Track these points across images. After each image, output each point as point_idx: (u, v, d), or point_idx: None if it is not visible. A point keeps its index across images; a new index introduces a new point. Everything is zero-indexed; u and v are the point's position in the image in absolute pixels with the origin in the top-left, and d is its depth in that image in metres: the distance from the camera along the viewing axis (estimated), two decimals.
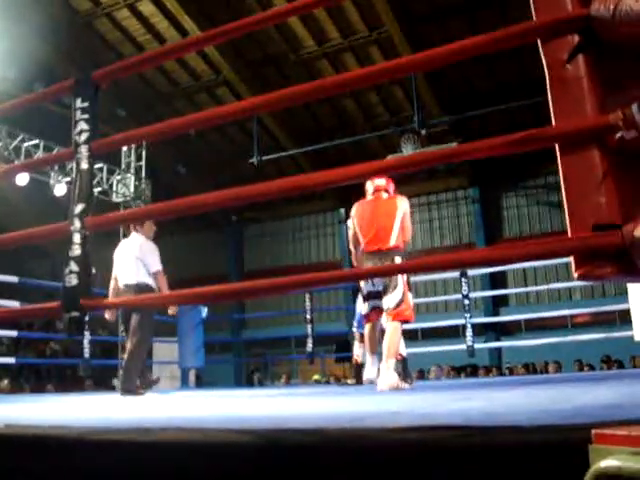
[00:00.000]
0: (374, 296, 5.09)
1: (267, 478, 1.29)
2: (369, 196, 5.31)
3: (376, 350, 5.19)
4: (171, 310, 6.08)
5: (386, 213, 5.08)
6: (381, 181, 5.21)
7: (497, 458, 1.12)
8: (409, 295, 5.04)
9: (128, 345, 5.72)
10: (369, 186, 5.31)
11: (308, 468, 1.26)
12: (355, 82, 2.40)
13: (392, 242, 4.97)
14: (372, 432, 1.37)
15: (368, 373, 5.16)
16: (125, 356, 5.76)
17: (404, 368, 5.77)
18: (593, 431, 0.97)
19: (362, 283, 5.18)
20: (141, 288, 5.75)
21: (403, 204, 5.13)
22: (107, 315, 5.95)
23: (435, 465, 1.16)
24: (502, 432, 1.25)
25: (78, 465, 1.53)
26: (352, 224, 5.29)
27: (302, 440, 1.33)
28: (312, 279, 2.24)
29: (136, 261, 6.00)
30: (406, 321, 5.06)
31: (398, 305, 4.93)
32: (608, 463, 0.89)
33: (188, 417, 2.31)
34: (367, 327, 5.27)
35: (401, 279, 4.93)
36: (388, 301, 4.97)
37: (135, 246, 6.14)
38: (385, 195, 5.23)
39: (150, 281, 5.92)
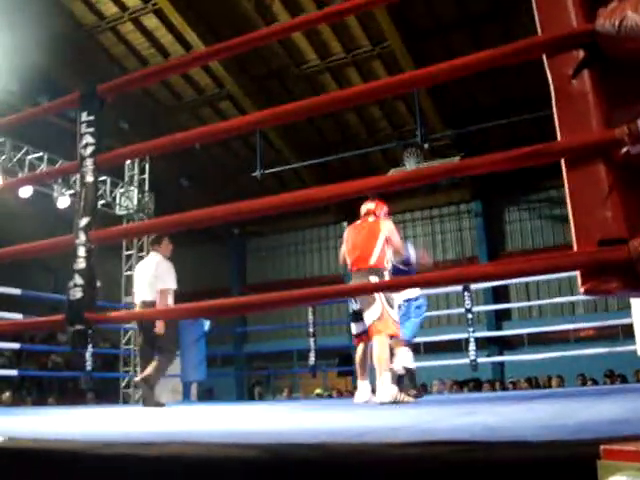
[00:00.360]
0: (361, 317, 5.30)
1: None
2: (360, 220, 5.64)
3: (366, 374, 5.37)
4: (158, 328, 6.00)
5: (369, 235, 5.38)
6: (371, 205, 5.59)
7: (502, 474, 1.11)
8: (389, 310, 5.14)
9: (154, 360, 6.01)
10: (362, 208, 5.65)
11: None
12: (358, 97, 2.41)
13: (371, 262, 5.24)
14: (374, 447, 1.36)
15: (360, 397, 5.25)
16: (150, 370, 5.98)
17: (411, 380, 5.80)
18: (601, 447, 0.96)
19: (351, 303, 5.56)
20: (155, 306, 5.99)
21: (386, 226, 5.43)
22: (157, 329, 6.09)
23: None
24: (507, 447, 1.24)
25: (79, 478, 1.52)
26: (343, 247, 5.66)
27: (306, 455, 1.33)
28: (315, 294, 2.24)
29: (152, 279, 6.27)
30: (393, 336, 5.18)
31: (378, 319, 5.07)
32: (616, 479, 0.88)
33: (190, 431, 2.31)
34: (358, 349, 5.46)
35: (377, 296, 5.09)
36: (367, 318, 5.17)
37: (152, 265, 6.45)
38: (371, 218, 5.53)
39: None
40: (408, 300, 6.50)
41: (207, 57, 2.81)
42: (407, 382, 5.93)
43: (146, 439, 1.65)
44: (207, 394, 15.43)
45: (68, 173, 3.49)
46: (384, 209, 5.67)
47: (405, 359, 5.61)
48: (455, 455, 1.19)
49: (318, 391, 15.08)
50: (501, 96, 15.54)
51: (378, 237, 5.33)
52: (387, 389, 4.84)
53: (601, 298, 15.10)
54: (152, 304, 6.03)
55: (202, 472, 1.38)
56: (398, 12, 13.64)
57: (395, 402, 4.79)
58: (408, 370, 5.79)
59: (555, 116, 1.67)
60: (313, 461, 1.29)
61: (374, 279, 5.13)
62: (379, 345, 5.04)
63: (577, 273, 1.59)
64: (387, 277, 5.26)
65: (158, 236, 6.69)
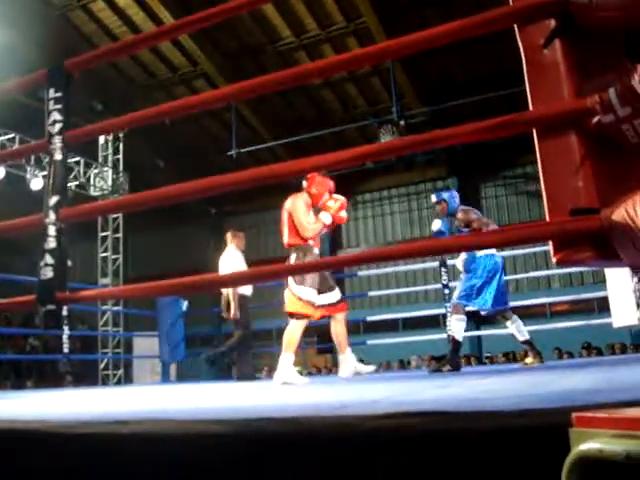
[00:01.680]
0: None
1: (245, 468, 1.27)
2: None
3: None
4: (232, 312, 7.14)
5: (282, 214, 5.49)
6: (304, 182, 5.50)
7: (476, 443, 1.11)
8: (297, 289, 5.17)
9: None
10: None
11: (285, 457, 1.25)
12: (330, 69, 2.39)
13: (285, 240, 5.43)
14: (350, 420, 1.36)
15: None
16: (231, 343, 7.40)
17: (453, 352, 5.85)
18: (573, 414, 0.96)
19: None
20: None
21: (287, 204, 5.43)
22: (226, 315, 7.32)
23: (413, 451, 1.15)
24: (480, 417, 1.24)
25: (55, 458, 1.51)
26: None
27: (279, 429, 1.32)
28: (296, 268, 2.22)
29: (228, 271, 6.76)
30: (297, 315, 5.23)
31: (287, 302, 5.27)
32: (589, 446, 0.88)
33: (165, 409, 2.29)
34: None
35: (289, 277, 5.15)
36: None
37: (227, 256, 7.35)
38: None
39: (243, 290, 7.16)
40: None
41: (177, 30, 2.76)
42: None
43: (120, 417, 1.64)
44: (186, 374, 15.42)
45: (37, 151, 3.43)
46: (318, 186, 5.46)
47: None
48: (429, 426, 1.19)
49: (298, 369, 15.12)
50: (477, 73, 15.54)
51: (283, 216, 5.44)
52: (348, 365, 5.38)
53: (576, 272, 15.26)
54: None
55: (176, 448, 1.37)
56: None
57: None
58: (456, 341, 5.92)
59: (527, 86, 1.66)
60: (288, 435, 1.28)
61: (291, 259, 5.28)
62: (289, 326, 5.25)
63: (550, 245, 1.59)
64: (310, 253, 5.29)
65: (235, 230, 7.89)
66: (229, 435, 1.33)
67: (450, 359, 5.67)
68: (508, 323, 6.18)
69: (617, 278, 6.73)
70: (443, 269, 9.19)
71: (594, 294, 9.93)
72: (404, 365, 14.59)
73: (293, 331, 5.19)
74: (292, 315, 5.22)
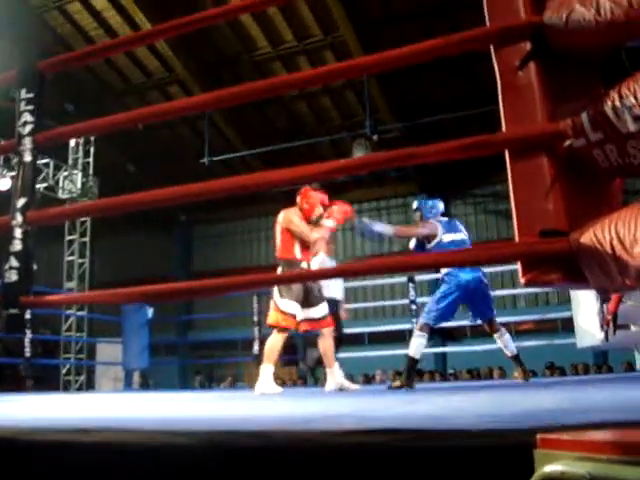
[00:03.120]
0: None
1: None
2: None
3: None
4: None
5: (275, 228, 5.64)
6: (297, 197, 5.63)
7: (440, 462, 1.11)
8: (279, 301, 5.27)
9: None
10: None
11: (248, 471, 1.23)
12: (305, 82, 2.39)
13: (277, 253, 5.52)
14: (316, 435, 1.35)
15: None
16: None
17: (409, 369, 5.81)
18: (538, 436, 0.96)
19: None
20: (329, 302, 6.30)
21: (281, 217, 5.60)
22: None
23: (377, 468, 1.15)
24: (445, 436, 1.24)
25: (12, 465, 1.48)
26: None
27: (246, 442, 1.31)
28: (259, 279, 2.21)
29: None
30: (278, 327, 5.31)
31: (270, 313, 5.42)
32: (552, 468, 0.88)
33: (128, 418, 2.26)
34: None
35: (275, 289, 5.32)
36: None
37: (316, 262, 7.00)
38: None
39: (339, 295, 7.31)
40: None
41: (153, 36, 2.74)
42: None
43: (83, 425, 1.61)
44: (148, 382, 15.27)
45: (5, 152, 3.37)
46: (309, 200, 5.58)
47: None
48: (393, 443, 1.19)
49: None
50: (452, 91, 15.69)
51: (276, 230, 5.57)
52: (334, 379, 5.35)
53: (542, 292, 15.41)
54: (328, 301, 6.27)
55: (138, 459, 1.35)
56: (351, 1, 13.63)
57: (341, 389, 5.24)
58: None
59: (500, 107, 1.68)
60: (253, 449, 1.27)
61: (278, 270, 5.34)
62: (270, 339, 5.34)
63: (518, 264, 1.60)
64: (296, 267, 5.35)
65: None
66: (194, 447, 1.31)
67: (406, 377, 5.54)
68: (496, 336, 6.17)
69: (582, 299, 6.82)
70: (411, 284, 9.23)
71: (559, 314, 10.05)
72: (369, 379, 14.57)
73: (273, 343, 5.26)
74: (273, 326, 5.23)
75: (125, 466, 1.37)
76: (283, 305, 5.22)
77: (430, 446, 1.16)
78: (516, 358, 6.11)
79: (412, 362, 5.53)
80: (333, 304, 7.14)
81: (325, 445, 1.25)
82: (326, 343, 5.45)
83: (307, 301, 5.33)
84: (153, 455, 1.35)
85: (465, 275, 5.71)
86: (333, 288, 7.15)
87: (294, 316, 5.25)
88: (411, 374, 5.55)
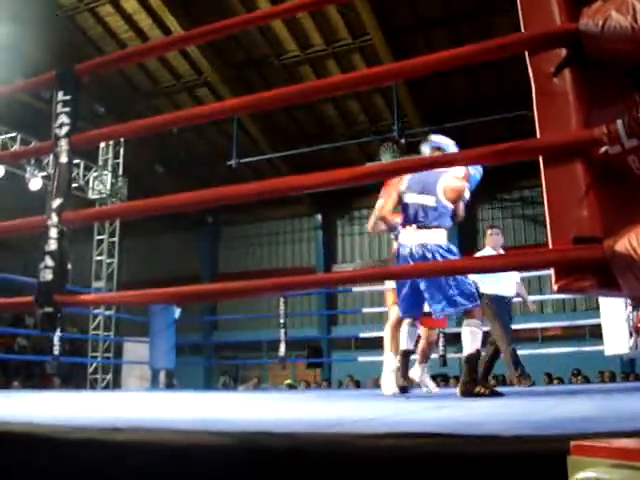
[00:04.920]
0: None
1: None
2: None
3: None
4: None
5: None
6: None
7: (473, 467, 1.11)
8: None
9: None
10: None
11: (282, 472, 1.24)
12: (335, 88, 2.40)
13: None
14: (346, 438, 1.36)
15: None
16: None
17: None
18: (572, 443, 0.96)
19: None
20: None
21: None
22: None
23: (409, 472, 1.15)
24: (477, 441, 1.24)
25: (46, 462, 1.50)
26: None
27: (276, 444, 1.32)
28: (291, 282, 2.23)
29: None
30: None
31: None
32: (586, 475, 0.88)
33: (159, 418, 2.29)
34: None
35: None
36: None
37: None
38: None
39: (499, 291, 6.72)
40: None
41: (186, 41, 2.77)
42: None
43: (112, 425, 1.63)
44: (173, 382, 15.37)
45: (42, 153, 3.42)
46: None
47: None
48: (425, 448, 1.19)
49: (289, 382, 15.11)
50: (480, 95, 15.61)
51: None
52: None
53: (569, 298, 15.25)
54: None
55: (169, 458, 1.37)
56: (380, 6, 13.62)
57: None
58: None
59: (535, 114, 1.67)
60: (285, 450, 1.28)
61: None
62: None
63: (551, 271, 1.60)
64: None
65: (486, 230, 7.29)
66: (225, 448, 1.32)
67: (401, 374, 5.22)
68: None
69: (611, 306, 6.74)
70: None
71: (586, 321, 9.94)
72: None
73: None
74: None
75: (155, 465, 1.38)
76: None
77: (461, 452, 1.16)
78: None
79: (403, 354, 5.23)
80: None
81: (355, 449, 1.25)
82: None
83: None
84: (183, 455, 1.36)
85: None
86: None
87: None
88: (403, 371, 5.24)
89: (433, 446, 1.20)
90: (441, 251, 4.39)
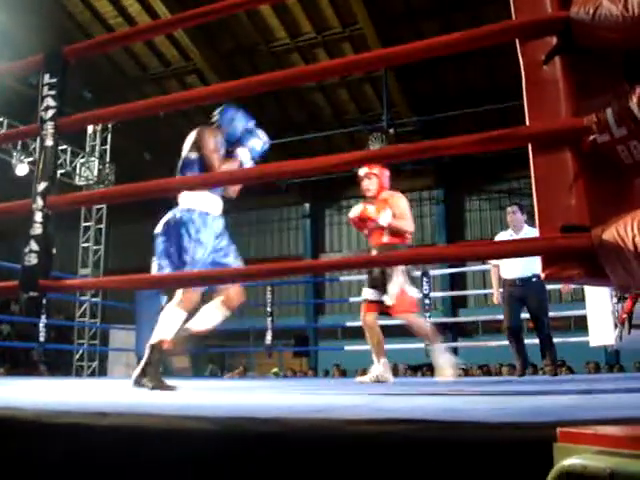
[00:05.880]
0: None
1: (222, 465, 1.27)
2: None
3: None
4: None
5: None
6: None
7: (457, 453, 1.11)
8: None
9: None
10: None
11: (265, 457, 1.24)
12: (322, 73, 2.38)
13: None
14: (333, 423, 1.36)
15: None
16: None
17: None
18: (558, 429, 0.96)
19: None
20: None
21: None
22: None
23: (394, 458, 1.15)
24: (463, 427, 1.24)
25: (31, 448, 1.49)
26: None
27: (260, 428, 1.31)
28: (278, 268, 2.22)
29: None
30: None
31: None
32: (572, 462, 0.88)
33: (144, 403, 2.28)
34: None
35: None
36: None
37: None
38: None
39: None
40: None
41: (175, 24, 2.75)
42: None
43: (97, 409, 1.62)
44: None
45: (28, 136, 3.38)
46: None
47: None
48: (412, 433, 1.19)
49: (275, 370, 15.16)
50: (469, 86, 15.62)
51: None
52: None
53: (555, 290, 15.33)
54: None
55: (154, 443, 1.36)
56: None
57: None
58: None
59: (525, 102, 1.67)
60: (268, 435, 1.28)
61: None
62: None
63: (539, 259, 1.60)
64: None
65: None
66: (210, 432, 1.32)
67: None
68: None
69: (596, 297, 6.78)
70: (425, 278, 9.22)
71: (571, 312, 10.00)
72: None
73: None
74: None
75: (140, 450, 1.38)
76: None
77: (446, 437, 1.16)
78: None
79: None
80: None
81: (342, 434, 1.25)
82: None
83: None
84: (168, 439, 1.35)
85: None
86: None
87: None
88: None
89: (419, 431, 1.19)
90: None
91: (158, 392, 3.41)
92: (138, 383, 3.60)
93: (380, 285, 5.17)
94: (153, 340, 3.74)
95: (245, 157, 4.21)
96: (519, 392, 3.02)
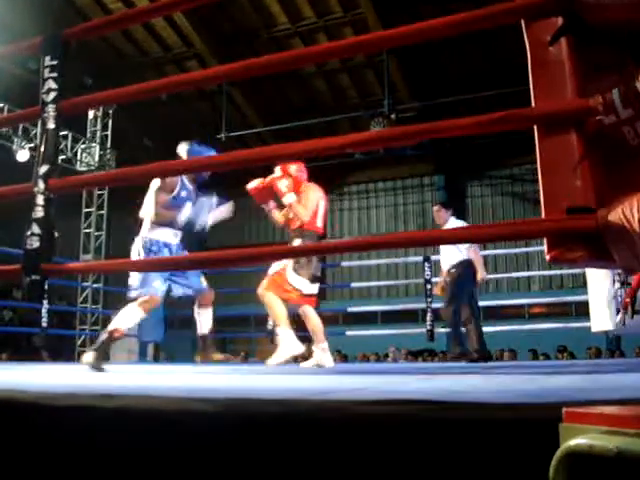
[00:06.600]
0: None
1: (228, 446, 1.27)
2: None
3: None
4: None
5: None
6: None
7: (464, 434, 1.11)
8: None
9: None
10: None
11: (267, 438, 1.24)
12: (322, 55, 2.37)
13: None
14: (336, 404, 1.35)
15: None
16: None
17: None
18: (564, 409, 0.96)
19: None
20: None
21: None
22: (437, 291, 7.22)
23: (401, 438, 1.15)
24: (469, 408, 1.24)
25: (34, 429, 1.50)
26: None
27: (264, 409, 1.31)
28: (281, 251, 2.21)
29: None
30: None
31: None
32: (579, 442, 0.88)
33: (148, 386, 2.28)
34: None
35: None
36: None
37: None
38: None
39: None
40: None
41: (174, 6, 2.73)
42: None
43: (103, 391, 1.62)
44: (163, 355, 15.39)
45: (29, 119, 3.37)
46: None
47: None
48: (416, 414, 1.19)
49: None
50: (471, 71, 15.53)
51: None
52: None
53: (556, 275, 15.34)
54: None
55: (157, 423, 1.36)
56: None
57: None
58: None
59: (530, 83, 1.66)
60: (270, 416, 1.27)
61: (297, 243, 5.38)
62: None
63: (544, 241, 1.59)
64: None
65: None
66: (214, 414, 1.32)
67: None
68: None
69: (598, 282, 6.78)
70: (426, 264, 9.21)
71: (573, 297, 10.01)
72: (379, 358, 14.63)
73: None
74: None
75: (144, 430, 1.38)
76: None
77: (453, 418, 1.16)
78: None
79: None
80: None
81: (345, 415, 1.25)
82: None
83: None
84: (172, 420, 1.35)
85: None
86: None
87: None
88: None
89: (424, 412, 1.19)
90: None
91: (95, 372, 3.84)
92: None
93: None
94: (110, 327, 4.15)
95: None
96: (526, 376, 3.02)
